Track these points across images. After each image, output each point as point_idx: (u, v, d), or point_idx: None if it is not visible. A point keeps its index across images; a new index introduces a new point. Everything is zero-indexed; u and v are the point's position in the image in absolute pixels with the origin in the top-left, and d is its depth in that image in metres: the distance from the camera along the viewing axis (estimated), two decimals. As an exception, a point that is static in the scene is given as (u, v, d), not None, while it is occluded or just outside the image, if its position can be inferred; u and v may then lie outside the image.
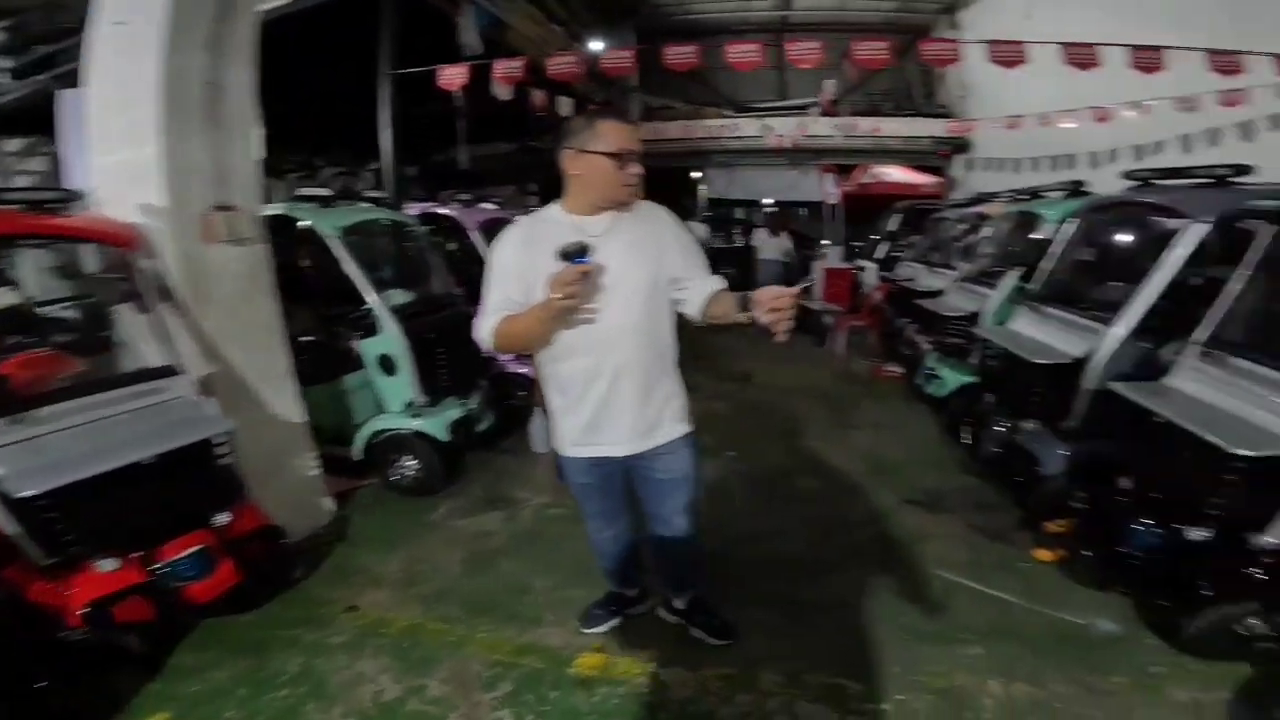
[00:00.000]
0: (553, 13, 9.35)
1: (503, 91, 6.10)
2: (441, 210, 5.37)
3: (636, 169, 1.87)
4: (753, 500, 3.80)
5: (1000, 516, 3.44)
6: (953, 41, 5.77)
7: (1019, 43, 5.39)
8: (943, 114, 12.31)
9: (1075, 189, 4.59)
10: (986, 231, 5.22)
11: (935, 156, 12.23)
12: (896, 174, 11.78)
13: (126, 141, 2.89)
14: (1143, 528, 2.47)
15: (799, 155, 12.33)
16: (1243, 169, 3.03)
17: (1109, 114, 7.00)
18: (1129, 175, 3.58)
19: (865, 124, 12.03)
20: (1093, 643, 2.50)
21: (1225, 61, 4.99)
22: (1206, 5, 6.11)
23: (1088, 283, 3.60)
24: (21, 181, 8.41)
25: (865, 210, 10.46)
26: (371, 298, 3.67)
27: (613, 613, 2.60)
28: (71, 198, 2.78)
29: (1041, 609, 2.68)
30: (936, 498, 3.72)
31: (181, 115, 2.90)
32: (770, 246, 8.34)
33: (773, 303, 1.64)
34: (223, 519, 2.55)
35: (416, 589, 2.95)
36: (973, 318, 4.34)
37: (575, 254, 1.69)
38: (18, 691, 1.92)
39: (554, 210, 1.98)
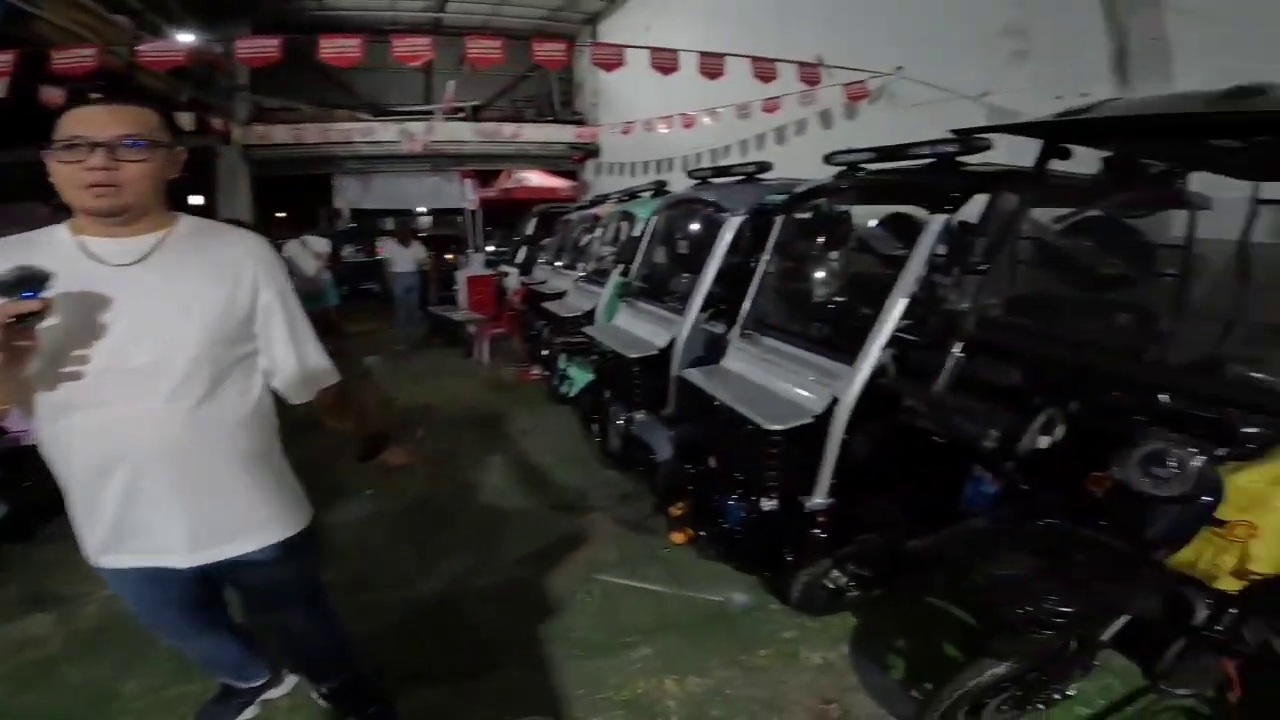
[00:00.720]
0: (122, 2, 7.59)
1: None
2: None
3: (97, 161, 1.26)
4: (397, 540, 3.38)
5: (638, 507, 3.57)
6: (562, 43, 5.94)
7: (618, 47, 5.76)
8: (576, 120, 13.07)
9: (659, 189, 5.03)
10: (599, 232, 5.47)
11: (570, 161, 12.95)
12: (536, 179, 12.16)
13: None
14: (734, 503, 2.65)
15: (441, 161, 11.96)
16: (763, 166, 3.51)
17: (692, 120, 8.05)
18: (691, 174, 3.97)
19: (507, 129, 12.17)
20: (733, 618, 2.64)
21: (764, 69, 5.98)
22: (765, 21, 7.37)
23: (667, 276, 3.92)
24: None
25: (509, 215, 10.57)
26: None
27: (239, 706, 2.06)
28: None
29: (688, 593, 2.79)
30: (582, 498, 3.74)
31: None
32: (403, 257, 7.73)
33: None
34: None
35: None
36: (588, 316, 4.47)
37: (16, 285, 1.13)
38: None
39: (57, 231, 1.37)
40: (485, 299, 7.31)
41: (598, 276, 4.84)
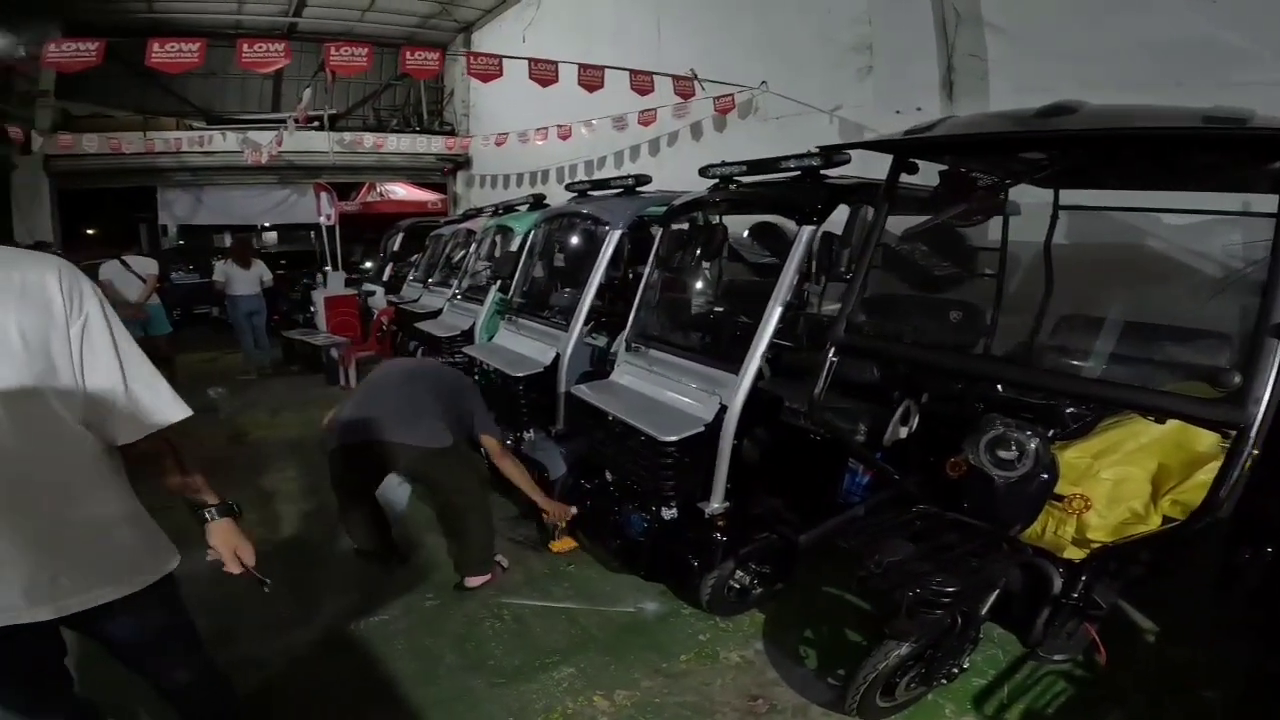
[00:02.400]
0: None
1: None
2: None
3: None
4: (273, 581, 3.02)
5: (533, 526, 3.46)
6: (434, 50, 5.69)
7: (495, 56, 5.60)
8: (446, 131, 12.63)
9: (536, 202, 4.97)
10: (474, 247, 5.31)
11: (439, 173, 12.50)
12: (402, 191, 11.64)
13: None
14: (635, 514, 2.68)
15: (290, 173, 11.10)
16: (642, 179, 3.56)
17: (569, 131, 8.03)
18: (570, 187, 3.95)
19: (368, 140, 11.51)
20: (649, 627, 2.64)
21: (641, 81, 6.07)
22: (643, 33, 7.45)
23: (549, 291, 3.87)
24: None
25: (372, 231, 10.03)
26: None
27: None
28: None
29: (599, 608, 2.76)
30: (473, 523, 3.56)
31: None
32: (244, 279, 6.93)
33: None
34: None
35: None
36: (467, 335, 4.32)
37: None
38: None
39: None
40: (348, 320, 6.84)
41: (474, 293, 4.69)
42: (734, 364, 2.37)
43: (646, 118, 7.07)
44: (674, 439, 2.29)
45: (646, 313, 2.91)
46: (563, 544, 3.10)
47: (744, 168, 2.81)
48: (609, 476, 2.89)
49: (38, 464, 1.27)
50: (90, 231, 10.76)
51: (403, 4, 11.42)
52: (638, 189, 3.68)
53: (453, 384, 3.05)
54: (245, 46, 4.84)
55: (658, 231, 3.13)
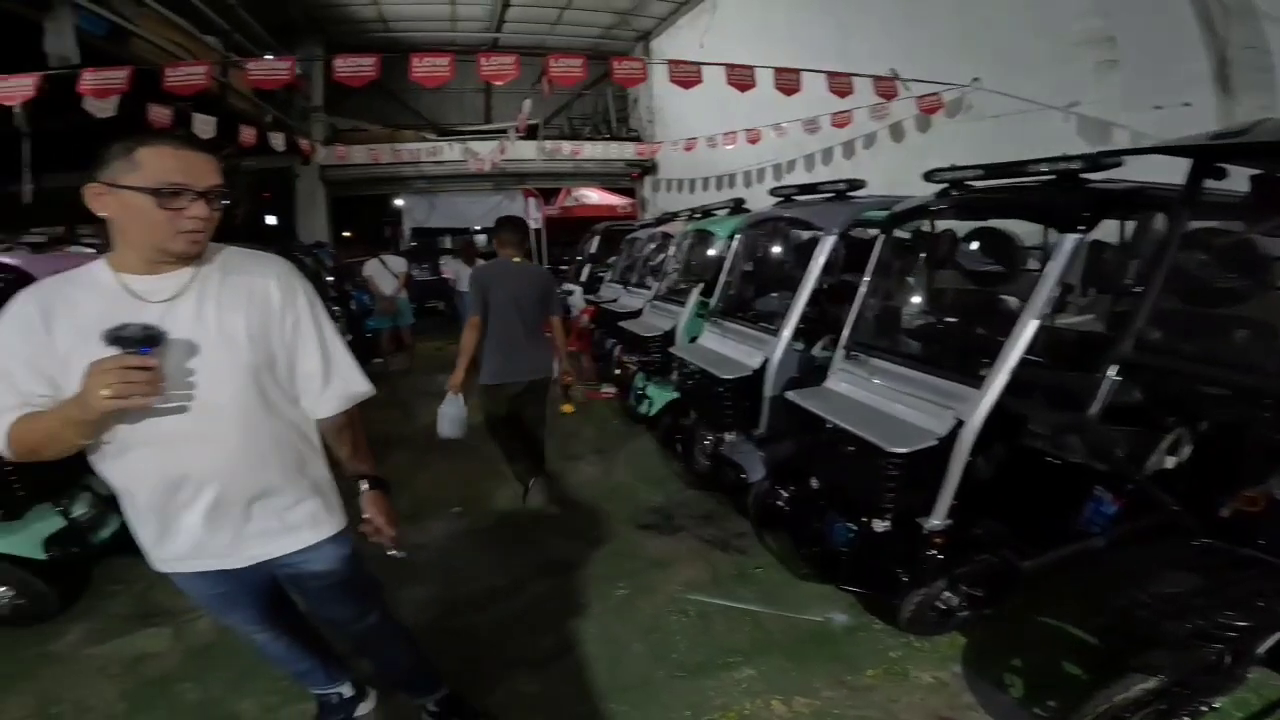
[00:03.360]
0: (210, 22, 7.93)
1: (99, 107, 4.82)
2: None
3: (199, 210, 1.35)
4: (485, 557, 3.42)
5: (726, 525, 3.55)
6: (639, 60, 6.01)
7: (694, 64, 5.78)
8: (633, 138, 13.20)
9: (736, 206, 5.02)
10: (671, 250, 5.48)
11: (628, 179, 13.06)
12: (595, 196, 12.29)
13: None
14: (838, 524, 2.64)
15: (503, 179, 12.21)
16: (856, 183, 3.47)
17: (758, 135, 8.03)
18: (775, 192, 3.95)
19: (566, 147, 12.35)
20: (836, 638, 2.60)
21: (839, 84, 5.93)
22: (825, 36, 7.34)
23: (755, 295, 3.89)
24: None
25: (569, 233, 10.70)
26: None
27: None
28: None
29: (785, 613, 2.75)
30: (667, 517, 3.73)
31: None
32: (467, 277, 7.82)
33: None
34: None
35: None
36: (668, 336, 4.47)
37: (137, 341, 1.23)
38: None
39: (97, 270, 1.41)
40: (552, 317, 7.39)
41: (674, 296, 4.85)
42: (973, 378, 2.24)
43: (841, 119, 6.86)
44: (903, 451, 2.21)
45: (867, 320, 2.84)
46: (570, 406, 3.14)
47: (980, 171, 2.63)
48: (814, 484, 2.86)
49: (258, 442, 1.52)
50: (346, 234, 12.64)
51: (585, 17, 12.15)
52: (849, 194, 3.58)
53: (546, 286, 3.66)
54: (483, 60, 5.35)
55: (867, 237, 3.05)
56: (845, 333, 2.86)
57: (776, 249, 3.96)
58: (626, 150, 12.75)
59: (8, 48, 4.53)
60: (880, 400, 2.58)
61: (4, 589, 2.78)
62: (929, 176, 2.84)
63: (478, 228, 13.08)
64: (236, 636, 2.65)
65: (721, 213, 5.16)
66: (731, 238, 4.28)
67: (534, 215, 7.94)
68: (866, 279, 2.90)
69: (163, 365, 1.27)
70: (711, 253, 4.61)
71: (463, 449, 5.08)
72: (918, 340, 2.72)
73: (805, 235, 3.47)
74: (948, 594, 2.42)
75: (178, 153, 1.36)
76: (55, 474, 3.00)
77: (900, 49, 6.45)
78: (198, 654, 2.66)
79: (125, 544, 3.17)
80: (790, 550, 3.08)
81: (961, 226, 2.86)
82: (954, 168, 2.75)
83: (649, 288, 5.58)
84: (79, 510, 3.03)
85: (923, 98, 6.17)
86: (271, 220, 12.17)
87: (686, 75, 5.68)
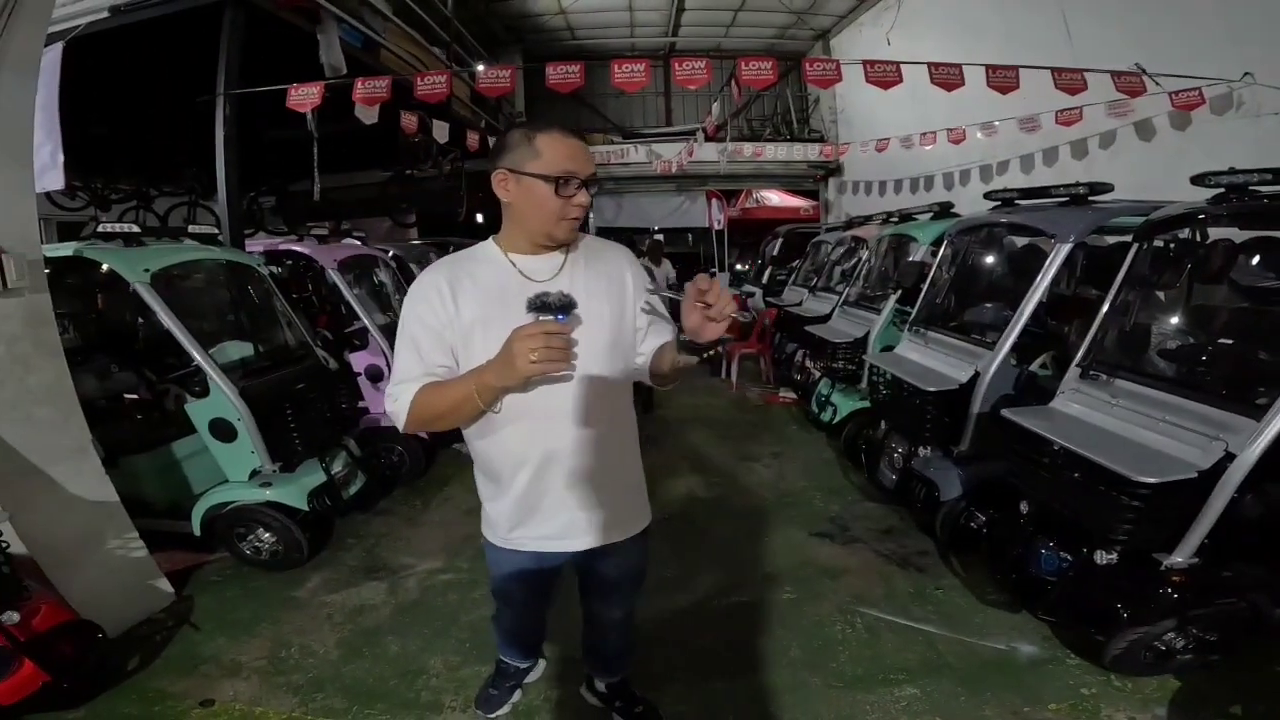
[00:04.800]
0: (435, 35, 8.96)
1: (367, 114, 5.61)
2: (294, 247, 4.78)
3: (583, 199, 1.42)
4: (658, 547, 3.54)
5: (906, 542, 3.41)
6: (834, 61, 5.87)
7: (894, 63, 5.55)
8: (816, 138, 12.87)
9: (943, 210, 4.74)
10: (863, 255, 5.30)
11: (810, 180, 12.74)
12: (776, 198, 12.14)
13: None
14: (1049, 552, 2.45)
15: (686, 181, 12.48)
16: (1100, 187, 3.14)
17: (962, 135, 7.46)
18: (991, 195, 3.68)
19: (748, 149, 12.33)
20: (1019, 668, 2.45)
21: (1070, 80, 5.35)
22: (1038, 29, 6.67)
23: (965, 305, 3.66)
24: None
25: (749, 234, 10.69)
26: (196, 354, 3.10)
27: (510, 689, 2.31)
28: None
29: (963, 637, 2.63)
30: (843, 527, 3.65)
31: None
32: (656, 276, 8.19)
33: (703, 297, 1.26)
34: (11, 617, 2.18)
35: (287, 677, 2.52)
36: (859, 343, 4.34)
37: (555, 306, 1.27)
38: None
39: (489, 248, 1.53)
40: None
41: (867, 302, 4.69)
42: (1250, 407, 1.97)
43: (1068, 117, 6.16)
44: (1153, 481, 1.99)
45: (1111, 338, 2.57)
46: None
47: (1268, 175, 2.28)
48: (1023, 508, 2.65)
49: (610, 422, 1.57)
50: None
51: (760, 18, 11.93)
52: (1091, 198, 3.24)
53: None
54: (676, 66, 5.47)
55: (1106, 246, 2.74)
56: (1082, 350, 2.60)
57: (993, 256, 3.68)
58: (810, 152, 12.44)
59: (291, 60, 5.37)
60: (1122, 425, 2.33)
61: (270, 536, 3.24)
62: (1200, 180, 2.51)
63: (657, 228, 13.47)
64: (438, 597, 3.00)
65: (923, 217, 4.90)
66: (937, 243, 4.06)
67: (716, 217, 8.05)
68: (1113, 292, 2.62)
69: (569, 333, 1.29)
70: (911, 258, 4.40)
71: (642, 438, 5.33)
72: (1177, 362, 2.41)
73: (1032, 242, 3.19)
74: (1172, 635, 2.19)
75: (567, 141, 1.40)
76: (323, 432, 3.62)
77: (1139, 38, 5.67)
78: (405, 610, 2.98)
79: (365, 502, 3.76)
80: (982, 574, 2.90)
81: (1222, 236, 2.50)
82: (1231, 171, 2.40)
83: (837, 292, 5.44)
84: (337, 467, 3.52)
85: (1177, 94, 5.38)
86: (479, 218, 13.43)
87: (885, 75, 5.43)
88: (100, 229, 3.27)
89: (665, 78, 12.87)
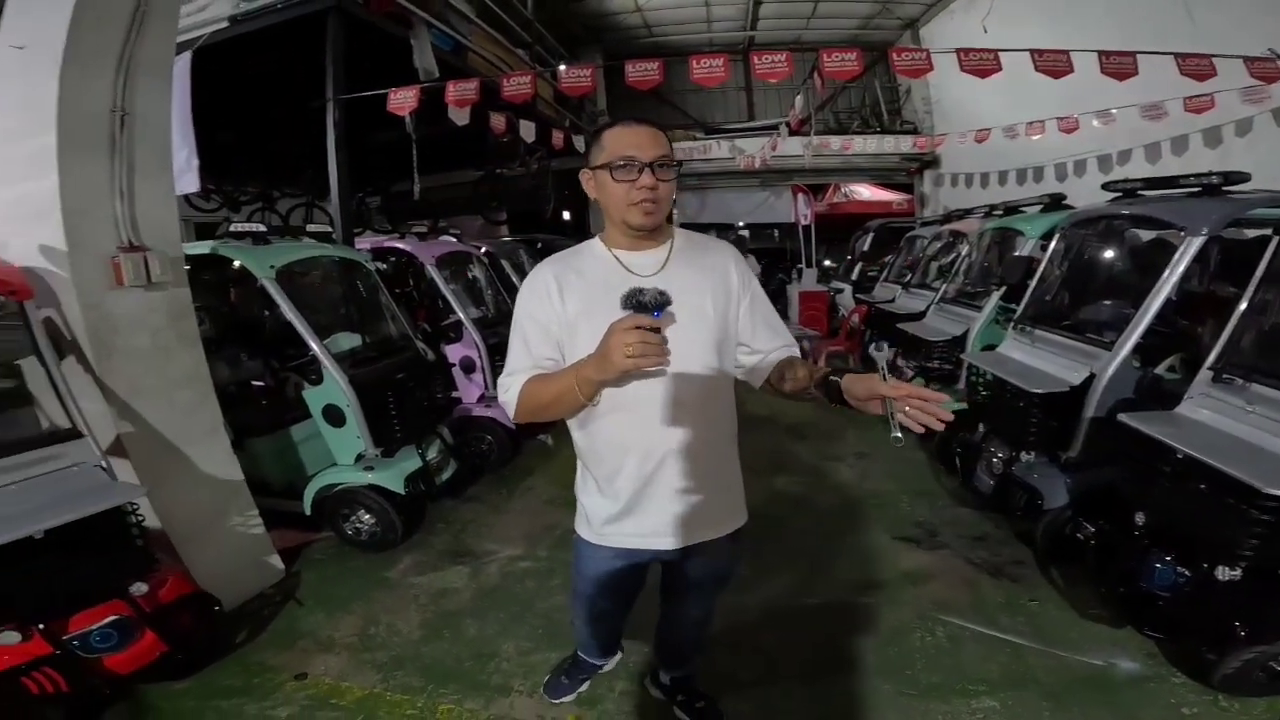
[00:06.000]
0: (516, 36, 9.22)
1: (459, 116, 5.84)
2: (397, 244, 5.06)
3: (646, 180, 1.40)
4: (758, 557, 3.54)
5: (1001, 550, 3.26)
6: (923, 51, 5.59)
7: (991, 51, 5.25)
8: (909, 130, 12.34)
9: (1055, 202, 4.45)
10: (963, 250, 5.05)
11: (904, 174, 12.22)
12: (866, 192, 11.72)
13: (23, 175, 2.59)
14: (1164, 565, 2.29)
15: (770, 176, 12.26)
16: (1235, 176, 2.86)
17: (1074, 123, 6.95)
18: (1111, 186, 3.42)
19: (835, 142, 11.97)
20: (1117, 684, 2.32)
21: (1197, 65, 4.89)
22: (1155, 11, 6.13)
23: (1078, 303, 3.42)
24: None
25: (837, 230, 10.36)
26: (313, 344, 3.34)
27: (581, 680, 2.37)
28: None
29: (1056, 651, 2.50)
30: (931, 533, 3.52)
31: (82, 145, 2.59)
32: None
33: (917, 404, 1.17)
34: (141, 588, 2.35)
35: (372, 654, 2.68)
36: (957, 342, 4.15)
37: (651, 304, 1.29)
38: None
39: (595, 244, 1.57)
40: (817, 315, 7.27)
41: (966, 299, 4.47)
42: None
43: (1199, 104, 5.62)
44: (1285, 493, 1.81)
45: (1250, 339, 2.34)
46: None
47: None
48: (1138, 519, 2.46)
49: (711, 420, 1.55)
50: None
51: (842, 9, 11.52)
52: (1225, 188, 2.95)
53: None
54: (756, 60, 5.35)
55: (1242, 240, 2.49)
56: (1215, 352, 2.39)
57: (1112, 251, 3.42)
58: (903, 144, 11.93)
59: (387, 67, 5.65)
60: (1256, 434, 2.14)
61: (369, 517, 3.46)
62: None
63: (741, 224, 13.31)
64: (516, 584, 3.09)
65: (1031, 209, 4.61)
66: (1046, 237, 3.82)
67: (803, 212, 7.86)
68: (1251, 289, 2.38)
69: (663, 328, 1.29)
70: (1018, 253, 4.15)
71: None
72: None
73: (1158, 236, 2.94)
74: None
75: (626, 129, 1.44)
76: (421, 420, 3.81)
77: (1271, 15, 5.10)
78: (484, 595, 3.10)
79: (455, 488, 3.93)
80: (1084, 587, 2.75)
81: None
82: None
83: (933, 289, 5.21)
84: (432, 454, 3.71)
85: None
86: (566, 215, 13.71)
87: (981, 64, 5.12)
88: (232, 228, 3.58)
89: (746, 72, 12.69)
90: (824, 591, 3.02)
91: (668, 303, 1.31)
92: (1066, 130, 7.06)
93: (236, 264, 3.55)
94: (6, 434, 2.45)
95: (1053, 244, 3.65)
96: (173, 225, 2.95)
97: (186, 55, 4.39)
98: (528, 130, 7.28)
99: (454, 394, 4.49)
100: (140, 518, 2.43)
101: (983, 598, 2.88)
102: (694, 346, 1.47)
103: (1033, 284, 3.61)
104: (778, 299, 8.74)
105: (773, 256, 11.79)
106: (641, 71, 5.73)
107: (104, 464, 2.40)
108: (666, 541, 1.60)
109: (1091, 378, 2.84)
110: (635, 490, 1.55)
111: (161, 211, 2.89)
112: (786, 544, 3.47)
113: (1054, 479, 2.97)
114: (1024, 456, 3.23)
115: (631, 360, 1.23)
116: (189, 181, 4.35)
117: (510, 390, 1.50)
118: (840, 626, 2.73)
